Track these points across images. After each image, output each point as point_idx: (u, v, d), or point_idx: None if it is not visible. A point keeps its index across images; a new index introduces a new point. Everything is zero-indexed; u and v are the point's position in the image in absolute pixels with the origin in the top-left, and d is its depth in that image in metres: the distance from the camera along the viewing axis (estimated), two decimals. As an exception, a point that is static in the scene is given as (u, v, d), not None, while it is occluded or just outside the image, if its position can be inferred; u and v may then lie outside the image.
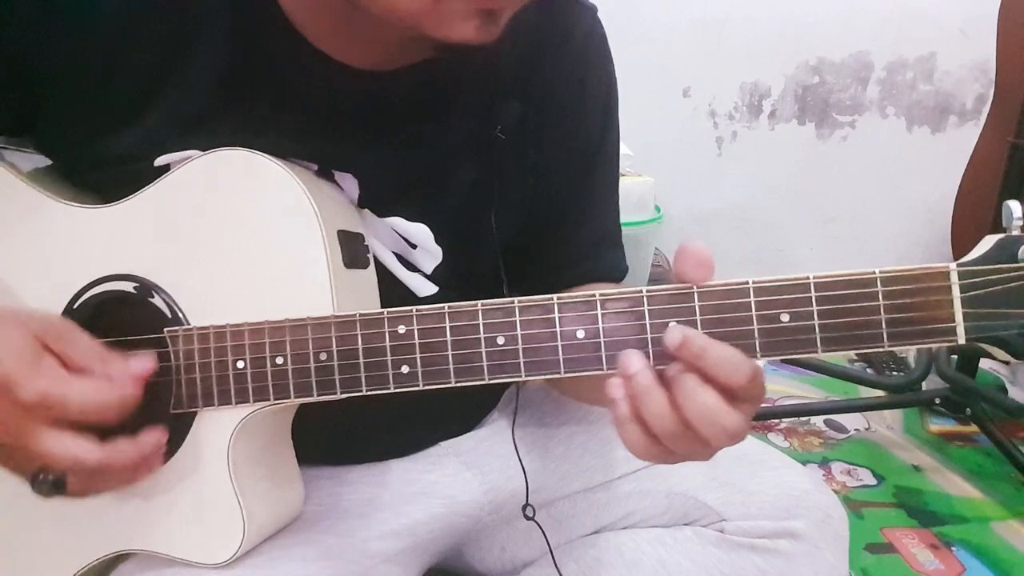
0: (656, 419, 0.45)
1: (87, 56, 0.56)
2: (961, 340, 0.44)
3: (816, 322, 0.45)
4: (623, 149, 1.80)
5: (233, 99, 0.58)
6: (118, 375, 0.51)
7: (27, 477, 0.50)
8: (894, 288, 0.44)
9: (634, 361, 0.46)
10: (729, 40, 2.08)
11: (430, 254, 0.64)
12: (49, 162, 0.63)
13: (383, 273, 0.62)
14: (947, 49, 2.08)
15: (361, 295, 0.58)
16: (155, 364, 0.53)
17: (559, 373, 0.49)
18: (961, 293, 0.44)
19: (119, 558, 0.59)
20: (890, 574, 1.23)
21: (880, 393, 1.69)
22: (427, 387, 0.51)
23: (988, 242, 0.45)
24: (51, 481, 0.50)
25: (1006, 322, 0.44)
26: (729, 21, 2.06)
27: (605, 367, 0.48)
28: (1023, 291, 0.43)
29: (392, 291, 0.62)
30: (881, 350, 0.45)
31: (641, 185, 1.74)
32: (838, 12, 2.06)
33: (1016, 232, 0.44)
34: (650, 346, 0.47)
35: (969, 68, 2.10)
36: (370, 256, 0.60)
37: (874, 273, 0.44)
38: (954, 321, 0.44)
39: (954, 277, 0.44)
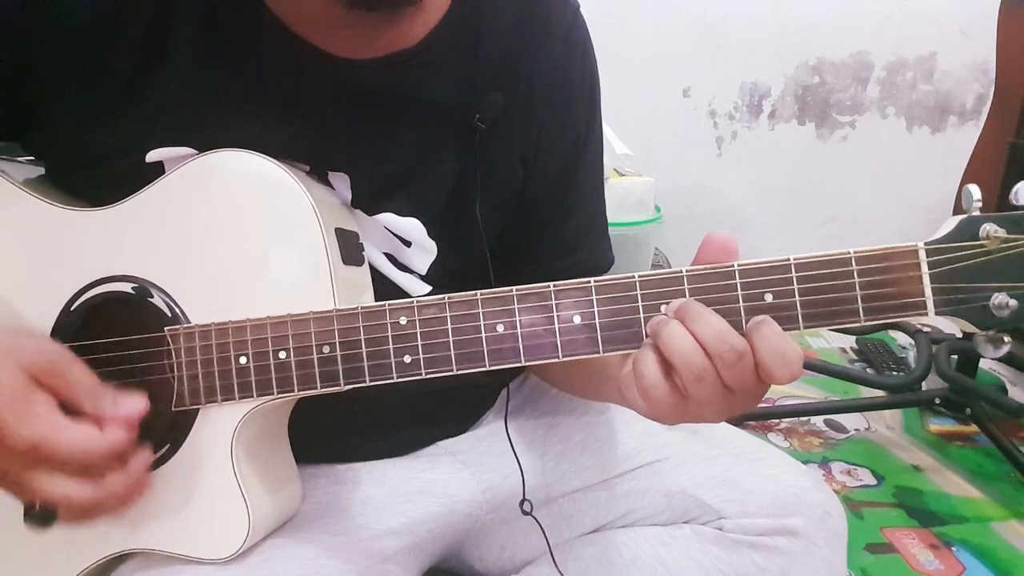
0: (671, 342, 0.47)
1: (69, 52, 0.57)
2: (931, 313, 0.47)
3: (797, 299, 0.48)
4: (623, 149, 1.80)
5: (215, 88, 0.58)
6: (109, 416, 0.51)
7: (23, 503, 0.51)
8: (868, 267, 0.47)
9: (659, 316, 0.49)
10: (729, 40, 2.08)
11: (425, 250, 0.64)
12: (41, 171, 0.63)
13: (374, 274, 0.62)
14: (947, 49, 2.09)
15: (357, 291, 0.59)
16: (147, 405, 0.52)
17: (557, 357, 0.50)
18: (929, 270, 0.47)
19: (119, 558, 0.59)
20: (890, 574, 1.23)
21: (880, 393, 1.69)
22: (429, 375, 0.52)
23: (951, 223, 0.48)
24: (41, 515, 0.51)
25: (970, 295, 0.47)
26: (729, 21, 2.06)
27: (601, 350, 0.50)
28: (985, 266, 0.47)
29: (384, 293, 0.62)
30: (858, 324, 0.48)
31: (641, 185, 1.74)
32: (838, 12, 2.06)
33: (976, 213, 0.47)
34: (643, 326, 0.49)
35: (969, 68, 2.10)
36: (364, 254, 0.61)
37: (849, 253, 0.47)
38: (924, 295, 0.47)
39: (922, 255, 0.47)
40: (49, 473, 0.49)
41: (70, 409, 0.50)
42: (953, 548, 1.29)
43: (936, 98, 2.13)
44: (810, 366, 1.78)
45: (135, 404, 0.52)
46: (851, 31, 2.08)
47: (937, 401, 1.61)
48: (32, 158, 0.65)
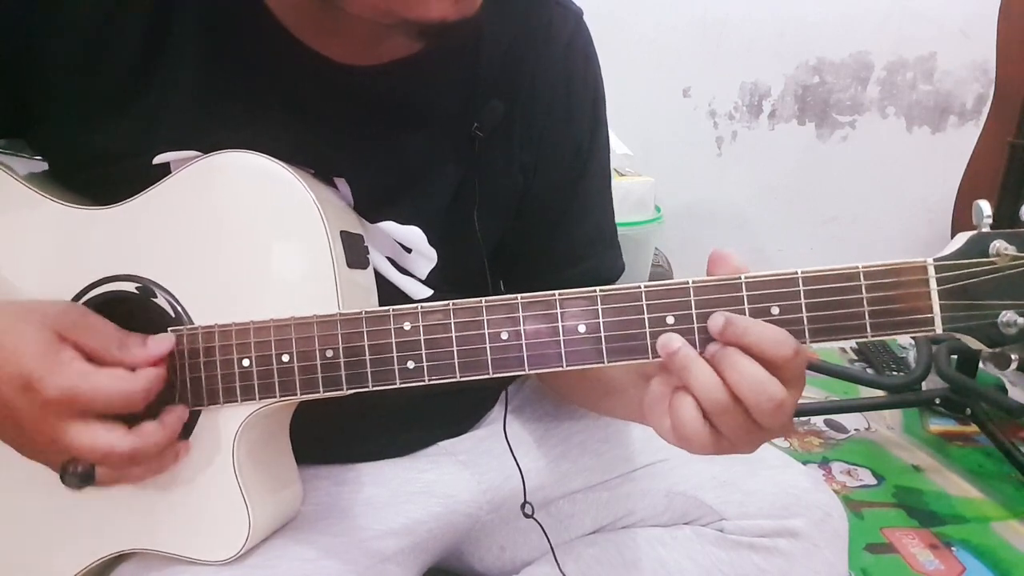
0: (705, 390, 0.46)
1: (69, 52, 0.57)
2: (939, 330, 0.47)
3: (804, 314, 0.48)
4: (623, 149, 1.80)
5: (217, 92, 0.58)
6: (139, 359, 0.52)
7: (56, 468, 0.51)
8: (876, 282, 0.47)
9: (673, 339, 0.48)
10: (729, 40, 2.08)
11: (425, 257, 0.65)
12: (45, 167, 0.63)
13: (376, 277, 0.62)
14: (947, 49, 2.09)
15: (362, 295, 0.59)
16: (174, 343, 0.54)
17: (561, 367, 0.50)
18: (938, 286, 0.47)
19: (118, 558, 0.59)
20: (890, 574, 1.24)
21: (880, 393, 1.69)
22: (432, 382, 0.52)
23: (961, 239, 0.48)
24: (80, 473, 0.51)
25: (978, 312, 0.47)
26: (729, 21, 2.06)
27: (606, 360, 0.50)
28: (994, 283, 0.47)
29: (386, 295, 0.62)
30: (866, 339, 0.48)
31: (641, 185, 1.74)
32: (838, 12, 2.06)
33: (986, 229, 0.47)
34: (648, 339, 0.49)
35: (969, 68, 2.10)
36: (369, 257, 0.61)
37: (857, 268, 0.47)
38: (932, 312, 0.47)
39: (931, 271, 0.47)
40: (86, 424, 0.50)
41: (99, 362, 0.51)
42: (953, 548, 1.30)
43: (936, 98, 2.13)
44: (810, 366, 1.78)
45: (163, 342, 0.53)
46: (851, 31, 2.08)
47: (937, 401, 1.61)
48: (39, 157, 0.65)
